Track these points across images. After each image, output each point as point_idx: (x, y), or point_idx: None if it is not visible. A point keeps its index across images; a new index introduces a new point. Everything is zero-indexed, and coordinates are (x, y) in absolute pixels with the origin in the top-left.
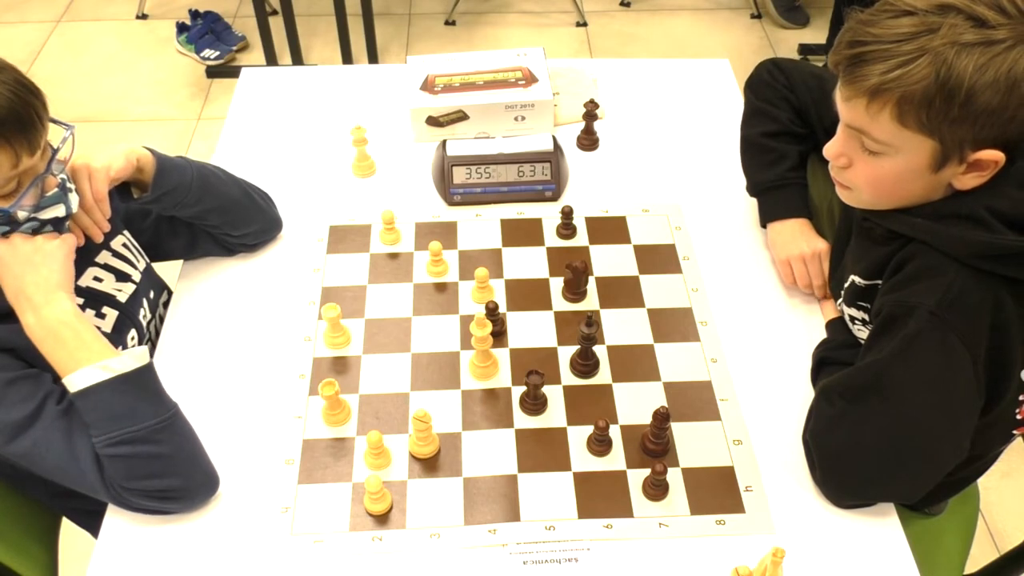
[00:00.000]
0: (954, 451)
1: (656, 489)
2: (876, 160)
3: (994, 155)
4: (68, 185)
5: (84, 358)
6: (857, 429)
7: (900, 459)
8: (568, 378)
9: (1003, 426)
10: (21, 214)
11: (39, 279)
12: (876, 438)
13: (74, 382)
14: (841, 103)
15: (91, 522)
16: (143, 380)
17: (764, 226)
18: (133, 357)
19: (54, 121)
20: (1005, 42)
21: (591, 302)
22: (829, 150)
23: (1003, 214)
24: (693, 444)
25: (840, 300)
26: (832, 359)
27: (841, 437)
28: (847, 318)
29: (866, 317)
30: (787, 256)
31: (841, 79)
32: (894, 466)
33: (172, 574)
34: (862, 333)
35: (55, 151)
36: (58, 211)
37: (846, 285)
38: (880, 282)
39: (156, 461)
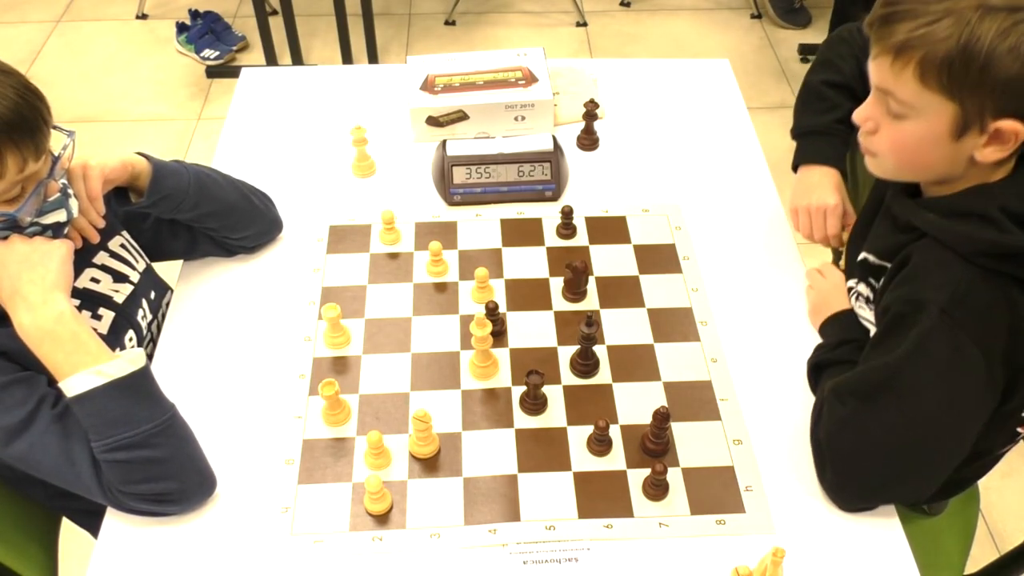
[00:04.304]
0: (960, 449)
1: (656, 489)
2: (899, 124)
3: (1014, 126)
4: (69, 191)
5: (80, 361)
6: (870, 428)
7: (912, 458)
8: (568, 378)
9: (1011, 425)
10: (25, 219)
11: (35, 278)
12: (889, 437)
13: (70, 387)
14: (871, 62)
15: (91, 522)
16: (139, 384)
17: (795, 170)
18: (129, 361)
19: (56, 127)
20: None
21: (591, 302)
22: (858, 114)
23: (1015, 214)
24: (693, 444)
25: (851, 277)
26: (830, 360)
27: (855, 437)
28: (852, 295)
29: (869, 295)
30: (795, 205)
31: (872, 39)
32: (906, 465)
33: (172, 574)
34: (864, 311)
35: (56, 157)
36: (59, 216)
37: (859, 259)
38: (888, 266)
39: (153, 465)
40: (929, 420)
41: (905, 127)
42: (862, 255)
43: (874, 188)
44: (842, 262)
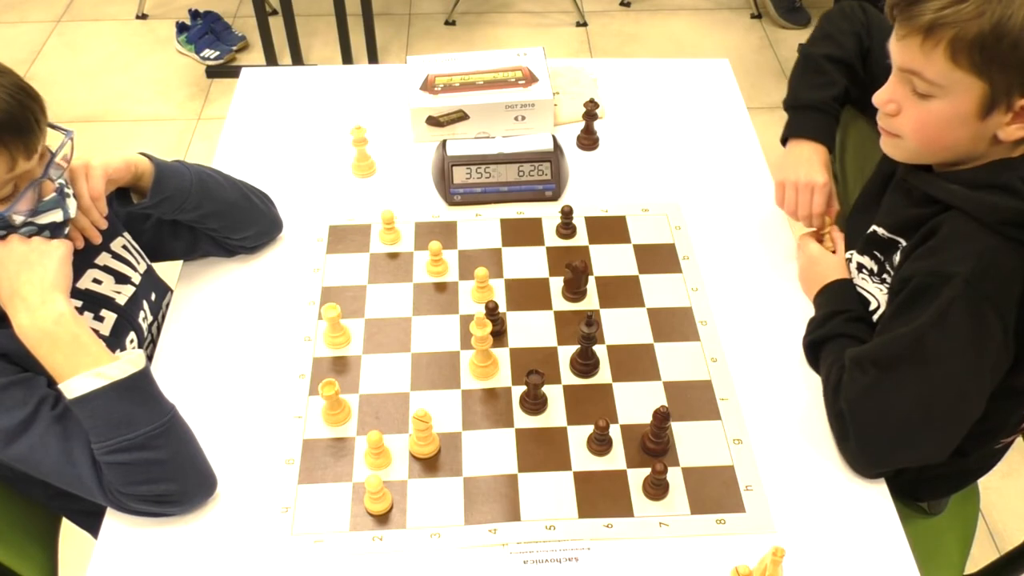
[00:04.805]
0: (977, 410)
1: (656, 488)
2: (925, 104)
3: None
4: (66, 191)
5: (80, 363)
6: (892, 397)
7: (933, 422)
8: (568, 378)
9: (1019, 408)
10: (17, 219)
11: (35, 278)
12: (911, 405)
13: (70, 388)
14: (895, 44)
15: (91, 523)
16: (139, 386)
17: (784, 143)
18: (129, 362)
19: (52, 126)
20: None
21: (591, 302)
22: (879, 97)
23: None
24: (693, 443)
25: (852, 249)
26: (823, 336)
27: (878, 406)
28: (854, 266)
29: (874, 268)
30: (782, 179)
31: (897, 20)
32: (927, 430)
33: (172, 574)
34: (867, 283)
35: (53, 155)
36: (55, 216)
37: (867, 232)
38: (900, 239)
39: (153, 467)
40: (950, 387)
41: (931, 107)
42: (871, 228)
43: (881, 163)
44: (826, 240)
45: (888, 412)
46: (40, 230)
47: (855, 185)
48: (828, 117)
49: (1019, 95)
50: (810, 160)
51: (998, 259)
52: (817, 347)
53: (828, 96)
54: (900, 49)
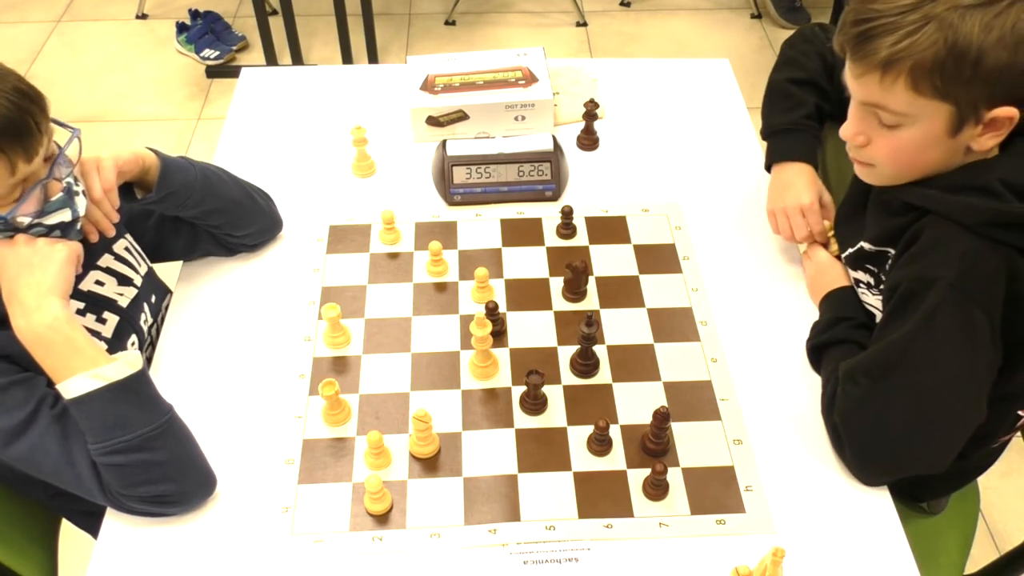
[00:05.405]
0: (977, 413)
1: (656, 489)
2: (894, 133)
3: (1009, 112)
4: (75, 188)
5: (76, 365)
6: (884, 406)
7: (930, 429)
8: (568, 378)
9: (1013, 408)
10: (23, 220)
11: (32, 282)
12: (906, 412)
13: (67, 389)
14: (853, 81)
15: (91, 523)
16: (136, 387)
17: (768, 170)
18: (126, 363)
19: (57, 123)
20: (1004, 1)
21: (591, 302)
22: (846, 131)
23: (1014, 186)
24: (693, 444)
25: (843, 262)
26: (827, 341)
27: (870, 416)
28: (851, 281)
29: (871, 281)
30: (772, 208)
31: (850, 58)
32: (924, 438)
33: (172, 574)
34: (867, 296)
35: (60, 152)
36: (64, 216)
37: (853, 250)
38: (889, 249)
39: (152, 468)
40: (942, 392)
41: (901, 135)
42: (859, 244)
43: (855, 179)
44: (832, 247)
45: (883, 422)
46: (49, 231)
47: (840, 194)
48: (803, 135)
49: (986, 108)
50: (793, 182)
51: (980, 260)
52: (820, 352)
53: (799, 116)
54: (859, 86)
